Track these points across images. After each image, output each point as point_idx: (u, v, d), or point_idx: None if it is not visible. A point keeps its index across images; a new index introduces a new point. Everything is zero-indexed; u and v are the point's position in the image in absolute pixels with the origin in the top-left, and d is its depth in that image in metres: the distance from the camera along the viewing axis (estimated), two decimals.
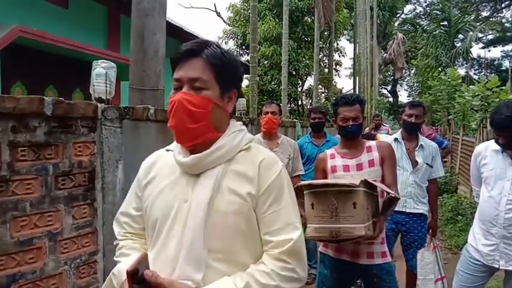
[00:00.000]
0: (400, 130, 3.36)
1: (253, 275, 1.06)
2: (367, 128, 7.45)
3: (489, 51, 28.80)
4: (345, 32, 22.61)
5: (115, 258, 1.24)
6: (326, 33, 17.20)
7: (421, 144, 3.18)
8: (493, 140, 2.41)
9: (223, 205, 1.09)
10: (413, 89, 29.35)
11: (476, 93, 6.90)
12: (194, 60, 1.12)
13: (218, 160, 1.12)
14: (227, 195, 1.10)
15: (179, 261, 1.06)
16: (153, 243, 1.15)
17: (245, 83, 11.58)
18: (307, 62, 15.61)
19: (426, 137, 4.48)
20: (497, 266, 2.31)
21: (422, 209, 3.18)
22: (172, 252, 1.08)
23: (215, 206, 1.09)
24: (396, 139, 3.24)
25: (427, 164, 3.16)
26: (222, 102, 1.15)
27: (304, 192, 2.06)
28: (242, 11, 16.31)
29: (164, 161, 1.23)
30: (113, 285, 1.17)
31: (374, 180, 2.11)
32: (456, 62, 17.44)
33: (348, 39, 29.05)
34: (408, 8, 31.17)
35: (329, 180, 2.17)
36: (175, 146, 1.21)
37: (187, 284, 1.04)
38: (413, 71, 27.21)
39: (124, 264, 1.14)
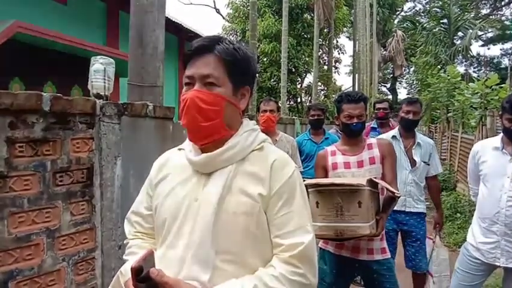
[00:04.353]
0: (397, 127, 3.30)
1: (261, 278, 1.02)
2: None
3: (488, 49, 28.80)
4: (345, 29, 22.61)
5: (124, 257, 1.23)
6: (325, 30, 17.21)
7: (418, 142, 3.15)
8: (495, 137, 2.40)
9: (233, 205, 1.06)
10: (413, 86, 29.39)
11: (476, 91, 6.92)
12: (206, 56, 1.09)
13: (230, 160, 1.10)
14: (237, 196, 1.07)
15: (186, 261, 1.04)
16: (162, 242, 1.14)
17: None
18: (307, 59, 15.61)
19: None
20: (498, 264, 2.31)
21: (422, 207, 3.17)
22: (179, 252, 1.06)
23: (225, 206, 1.06)
24: (394, 136, 3.19)
25: (424, 162, 3.14)
26: (234, 99, 1.13)
27: (309, 190, 2.04)
28: (241, 7, 16.30)
29: (176, 160, 1.21)
30: (120, 284, 1.15)
31: (375, 178, 2.11)
32: (455, 60, 17.40)
33: (347, 37, 29.03)
34: (408, 5, 31.20)
35: (336, 180, 2.15)
36: (187, 144, 1.19)
37: (193, 284, 1.01)
38: (412, 69, 27.24)
39: (131, 262, 1.13)
